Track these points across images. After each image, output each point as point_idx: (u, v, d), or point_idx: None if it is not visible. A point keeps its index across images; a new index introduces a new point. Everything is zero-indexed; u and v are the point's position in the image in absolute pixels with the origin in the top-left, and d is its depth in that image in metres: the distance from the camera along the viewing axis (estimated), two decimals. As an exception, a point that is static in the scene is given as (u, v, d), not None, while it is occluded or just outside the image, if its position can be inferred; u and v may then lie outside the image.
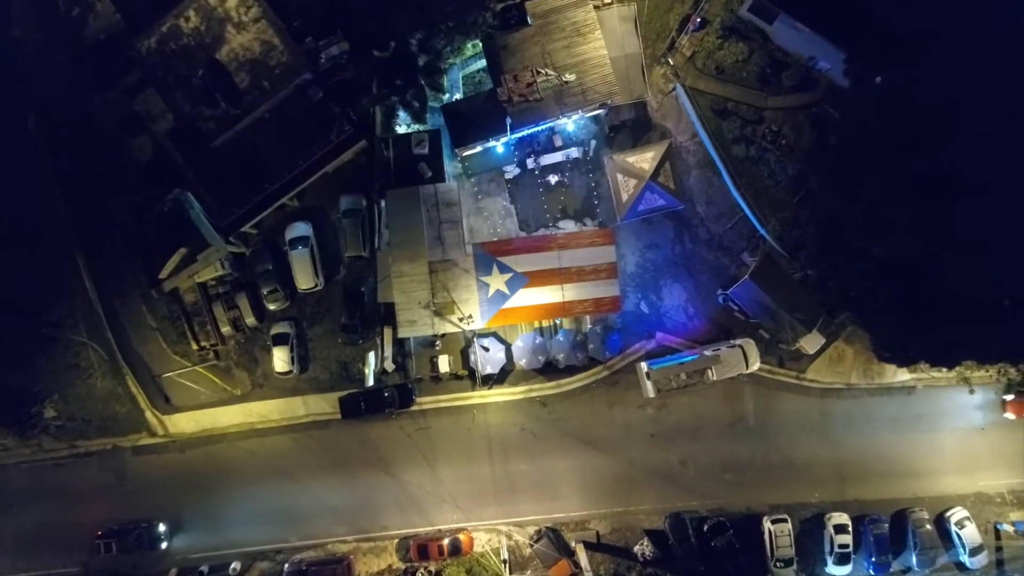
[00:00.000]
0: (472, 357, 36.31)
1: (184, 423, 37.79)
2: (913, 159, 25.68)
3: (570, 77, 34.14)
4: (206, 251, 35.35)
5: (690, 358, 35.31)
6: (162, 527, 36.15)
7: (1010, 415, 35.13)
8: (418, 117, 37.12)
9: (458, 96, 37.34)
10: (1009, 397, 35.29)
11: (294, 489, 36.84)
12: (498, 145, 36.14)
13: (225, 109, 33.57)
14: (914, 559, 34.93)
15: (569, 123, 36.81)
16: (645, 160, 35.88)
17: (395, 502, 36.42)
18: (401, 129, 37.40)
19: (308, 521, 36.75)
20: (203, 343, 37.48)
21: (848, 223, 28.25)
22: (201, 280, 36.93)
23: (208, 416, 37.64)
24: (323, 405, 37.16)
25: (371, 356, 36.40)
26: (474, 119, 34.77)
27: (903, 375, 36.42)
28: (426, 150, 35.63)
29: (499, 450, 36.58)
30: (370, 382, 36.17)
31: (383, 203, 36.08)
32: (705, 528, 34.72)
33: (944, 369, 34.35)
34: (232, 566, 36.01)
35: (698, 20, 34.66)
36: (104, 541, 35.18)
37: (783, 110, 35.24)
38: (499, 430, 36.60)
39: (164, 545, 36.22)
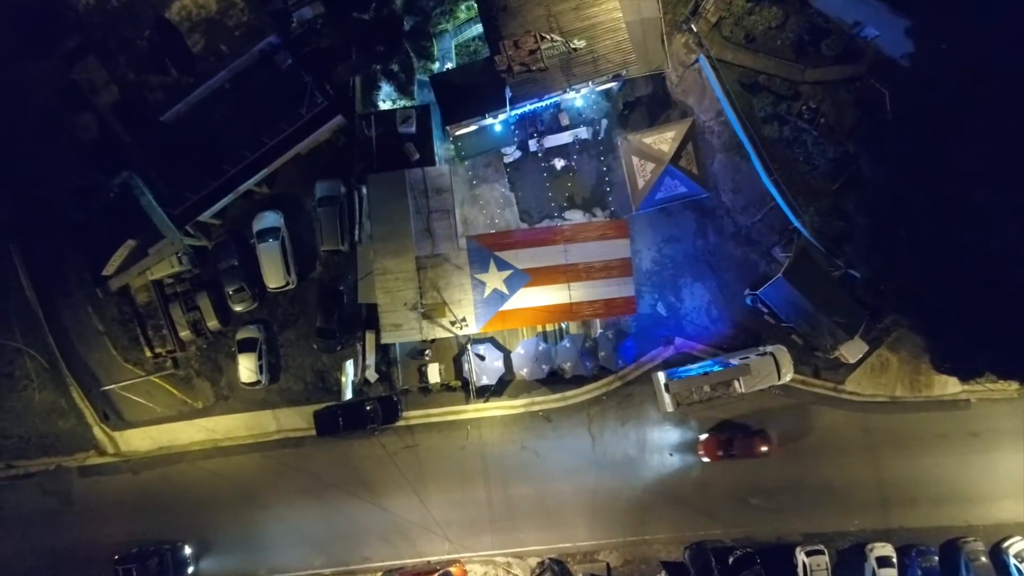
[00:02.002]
0: (466, 366, 32.24)
1: (138, 440, 33.58)
2: (998, 133, 21.31)
3: (579, 44, 29.67)
4: (158, 244, 30.92)
5: (715, 367, 31.28)
6: (188, 549, 32.13)
7: (705, 458, 31.38)
8: (404, 90, 32.68)
9: (450, 66, 32.71)
10: (703, 436, 31.62)
11: (263, 515, 32.82)
12: (496, 123, 31.77)
13: (176, 77, 28.90)
14: (967, 595, 30.95)
15: (577, 98, 32.43)
16: (664, 141, 31.56)
17: (378, 530, 32.49)
18: (384, 105, 32.88)
19: (279, 551, 32.74)
20: (158, 349, 33.17)
21: (910, 212, 23.91)
22: (155, 277, 32.64)
23: (165, 432, 33.47)
24: (296, 420, 33.12)
25: (349, 365, 32.07)
26: (468, 92, 30.32)
27: (954, 387, 32.43)
28: (413, 128, 31.27)
29: (496, 471, 32.64)
30: (348, 394, 31.89)
31: (364, 189, 31.78)
32: (730, 560, 30.97)
33: (1012, 382, 30.19)
34: (192, 604, 31.89)
35: (726, -20, 30.29)
36: (123, 567, 30.97)
37: (822, 84, 31.39)
38: (496, 449, 32.70)
39: (191, 569, 32.16)
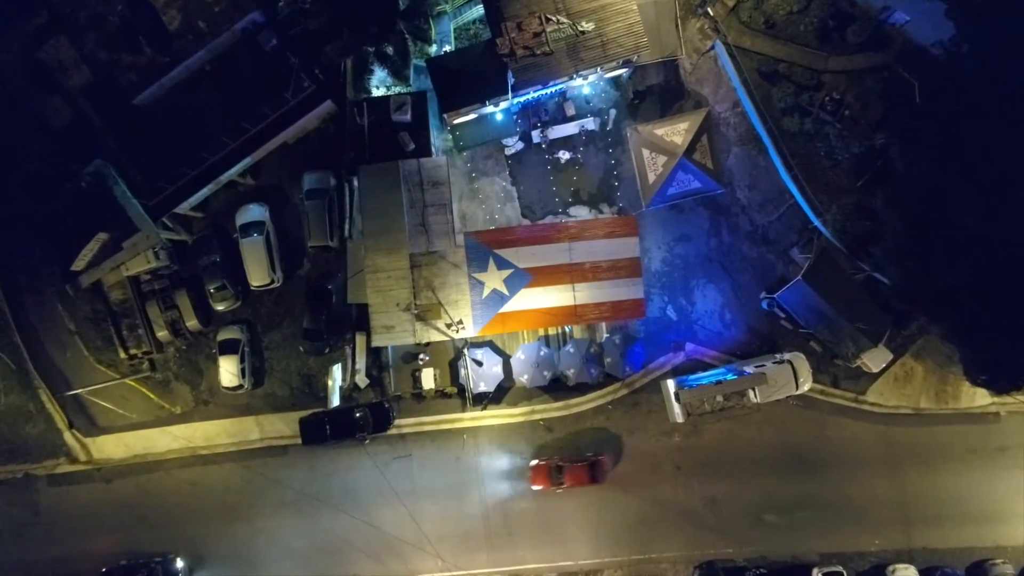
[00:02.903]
0: (462, 372, 30.17)
1: (112, 447, 31.60)
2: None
3: (587, 26, 27.61)
4: (133, 237, 28.80)
5: (729, 376, 29.30)
6: (180, 562, 30.10)
7: (535, 486, 29.21)
8: (399, 75, 30.58)
9: (448, 49, 30.56)
10: (533, 463, 29.47)
11: (245, 530, 30.82)
12: (497, 112, 29.71)
13: (151, 57, 26.68)
14: (995, 621, 29.09)
15: (584, 86, 30.44)
16: (677, 132, 29.52)
17: (367, 547, 30.52)
18: (378, 91, 30.78)
19: (262, 568, 30.74)
20: (133, 351, 31.13)
21: (948, 210, 21.89)
22: (131, 273, 30.58)
23: (141, 439, 31.49)
24: (281, 427, 31.17)
25: (336, 370, 30.01)
26: (468, 77, 28.23)
27: (983, 399, 30.55)
28: (408, 116, 29.17)
29: (494, 484, 30.73)
30: (335, 401, 29.84)
31: (355, 181, 29.72)
32: (743, 581, 29.12)
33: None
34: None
35: (745, -40, 28.26)
36: None
37: (847, 74, 29.48)
38: (494, 460, 30.78)
39: None
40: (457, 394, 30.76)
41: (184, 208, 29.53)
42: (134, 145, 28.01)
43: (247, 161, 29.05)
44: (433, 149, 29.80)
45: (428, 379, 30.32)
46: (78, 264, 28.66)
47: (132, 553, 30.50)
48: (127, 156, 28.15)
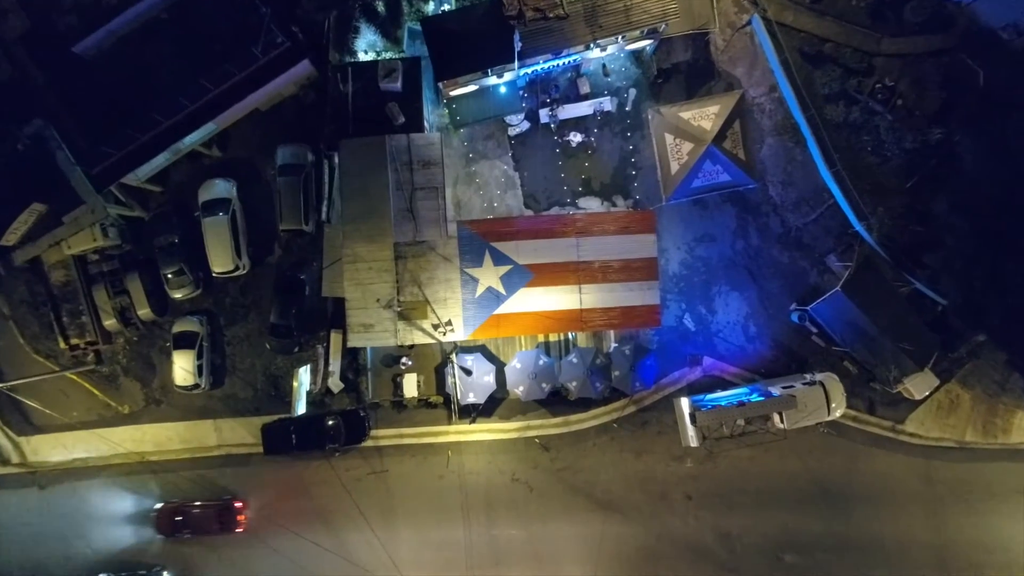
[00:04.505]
0: (449, 379, 26.66)
1: (48, 449, 28.08)
2: None
3: (610, -12, 23.92)
4: (76, 211, 25.06)
5: (753, 397, 25.87)
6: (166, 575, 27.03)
7: (159, 534, 26.69)
8: (389, 36, 26.85)
9: (447, 8, 26.80)
10: (159, 506, 26.72)
11: (198, 550, 27.26)
12: (501, 85, 26.02)
13: (95, -2, 22.84)
14: None
15: (602, 59, 26.75)
16: (706, 116, 25.90)
17: (336, 571, 27.13)
18: (365, 55, 26.95)
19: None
20: (75, 340, 27.44)
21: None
22: (75, 252, 26.88)
23: (82, 441, 27.94)
24: (242, 433, 27.76)
25: (304, 372, 26.39)
26: (468, 42, 24.51)
27: (1036, 433, 27.15)
28: (398, 85, 25.49)
29: (480, 507, 27.40)
30: (300, 409, 26.23)
31: (335, 157, 26.08)
32: (757, 628, 25.82)
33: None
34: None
35: (794, -79, 24.70)
36: None
37: (902, 58, 26.19)
38: (482, 480, 27.42)
39: None
40: (443, 404, 27.34)
41: (136, 179, 25.80)
42: (78, 103, 24.19)
43: (210, 128, 25.30)
44: (426, 124, 26.21)
45: (410, 386, 26.88)
46: (8, 238, 24.92)
47: (85, 567, 27.04)
48: (70, 116, 24.31)
